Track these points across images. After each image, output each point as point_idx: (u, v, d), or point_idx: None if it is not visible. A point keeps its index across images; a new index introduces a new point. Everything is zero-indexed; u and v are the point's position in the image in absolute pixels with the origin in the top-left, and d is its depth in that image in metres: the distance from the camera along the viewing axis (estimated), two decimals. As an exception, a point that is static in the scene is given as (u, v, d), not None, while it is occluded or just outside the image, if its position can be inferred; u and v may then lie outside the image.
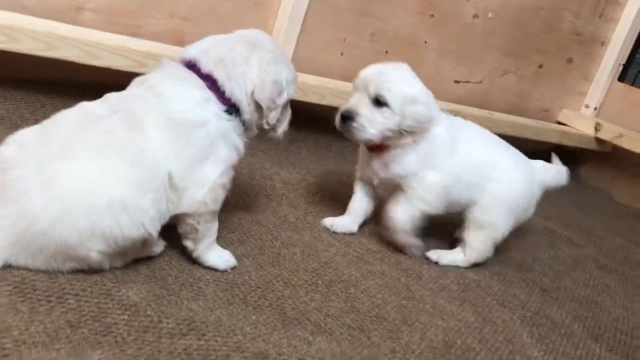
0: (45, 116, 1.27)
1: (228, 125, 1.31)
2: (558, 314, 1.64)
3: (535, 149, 3.28)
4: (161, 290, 1.22)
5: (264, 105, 1.34)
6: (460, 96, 2.90)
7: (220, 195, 1.33)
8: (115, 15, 2.00)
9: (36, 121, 1.28)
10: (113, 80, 1.50)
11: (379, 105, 1.58)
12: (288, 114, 1.49)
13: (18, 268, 1.14)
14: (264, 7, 2.27)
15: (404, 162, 1.64)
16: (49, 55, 1.73)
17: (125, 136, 1.19)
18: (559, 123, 3.28)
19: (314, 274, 1.47)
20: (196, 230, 1.32)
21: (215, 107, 1.29)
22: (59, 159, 1.14)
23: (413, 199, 1.65)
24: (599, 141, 3.16)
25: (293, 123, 1.52)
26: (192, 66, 1.31)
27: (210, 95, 1.29)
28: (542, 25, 3.02)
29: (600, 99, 3.30)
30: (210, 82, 1.30)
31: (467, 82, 2.90)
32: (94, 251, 1.15)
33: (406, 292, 1.52)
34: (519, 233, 2.22)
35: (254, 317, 1.23)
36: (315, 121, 2.26)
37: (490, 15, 2.82)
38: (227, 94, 1.30)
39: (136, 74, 1.91)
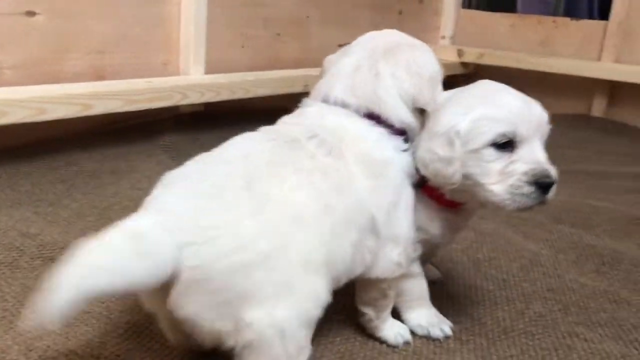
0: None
1: (407, 157, 1.12)
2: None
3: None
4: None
5: (429, 108, 1.12)
6: (346, 57, 3.15)
7: (412, 251, 1.15)
8: (33, 66, 1.97)
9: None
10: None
11: None
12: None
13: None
14: (167, 24, 2.33)
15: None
16: (2, 123, 1.70)
17: (331, 163, 1.03)
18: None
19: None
20: (385, 296, 1.15)
21: (393, 141, 1.10)
22: (269, 182, 0.95)
23: None
24: (464, 65, 3.58)
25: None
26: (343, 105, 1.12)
27: (382, 130, 1.10)
28: (393, -25, 3.34)
29: (453, 28, 3.72)
30: (373, 118, 1.11)
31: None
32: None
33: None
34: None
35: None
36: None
37: (351, -22, 3.08)
38: (397, 122, 1.11)
39: (86, 119, 1.96)
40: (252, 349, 0.88)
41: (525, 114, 1.07)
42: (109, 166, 2.01)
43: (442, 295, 1.39)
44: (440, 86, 1.16)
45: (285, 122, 1.12)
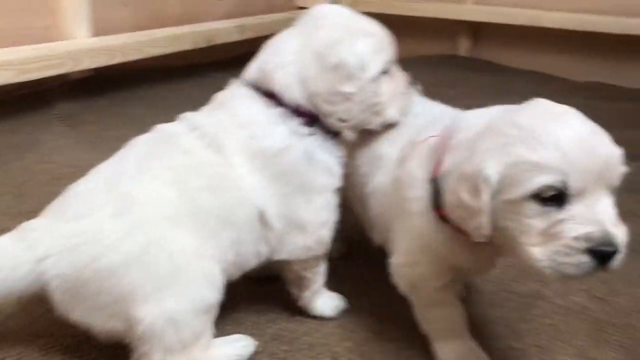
0: None
1: (310, 142, 1.05)
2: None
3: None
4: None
5: (320, 101, 1.04)
6: (224, 13, 3.14)
7: (326, 235, 1.10)
8: None
9: None
10: None
11: None
12: (399, 85, 1.14)
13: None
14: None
15: None
16: None
17: (208, 158, 0.99)
18: (301, 8, 3.72)
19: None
20: (301, 277, 1.13)
21: (290, 124, 1.03)
22: (135, 178, 0.95)
23: None
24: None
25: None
26: (253, 86, 1.07)
27: (280, 111, 1.03)
28: None
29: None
30: (272, 97, 1.04)
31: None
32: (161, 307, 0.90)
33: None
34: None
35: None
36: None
37: None
38: (293, 103, 1.04)
39: None
40: (146, 340, 0.90)
41: (583, 157, 0.80)
42: (7, 140, 1.92)
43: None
44: (357, 79, 1.03)
45: (185, 115, 1.07)
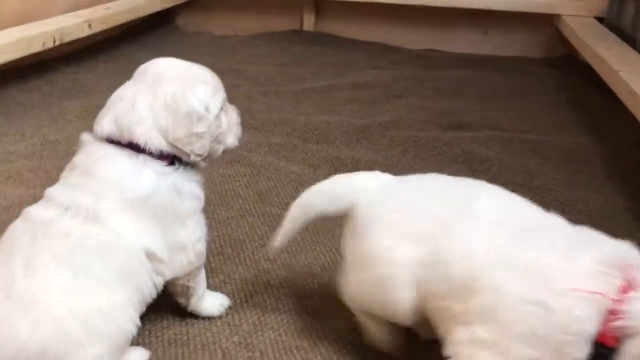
0: None
1: (175, 178, 1.22)
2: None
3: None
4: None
5: (181, 145, 1.20)
6: (68, 5, 3.09)
7: (201, 248, 1.30)
8: None
9: None
10: None
11: None
12: (233, 117, 1.35)
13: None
14: None
15: None
16: None
17: (89, 232, 1.12)
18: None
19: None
20: (187, 287, 1.31)
21: (154, 167, 1.19)
22: (29, 277, 1.07)
23: None
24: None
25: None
26: (110, 139, 1.20)
27: (143, 157, 1.18)
28: None
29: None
30: (134, 147, 1.18)
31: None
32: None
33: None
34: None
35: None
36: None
37: None
38: (157, 151, 1.19)
39: None
40: None
41: None
42: None
43: (244, 224, 1.73)
44: (204, 119, 1.21)
45: (52, 194, 1.17)
